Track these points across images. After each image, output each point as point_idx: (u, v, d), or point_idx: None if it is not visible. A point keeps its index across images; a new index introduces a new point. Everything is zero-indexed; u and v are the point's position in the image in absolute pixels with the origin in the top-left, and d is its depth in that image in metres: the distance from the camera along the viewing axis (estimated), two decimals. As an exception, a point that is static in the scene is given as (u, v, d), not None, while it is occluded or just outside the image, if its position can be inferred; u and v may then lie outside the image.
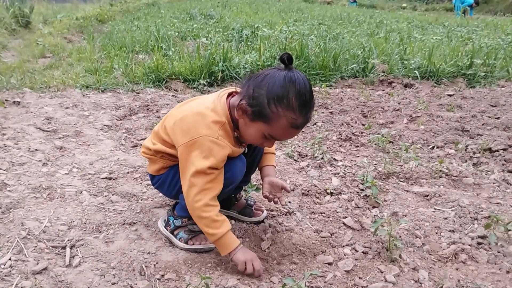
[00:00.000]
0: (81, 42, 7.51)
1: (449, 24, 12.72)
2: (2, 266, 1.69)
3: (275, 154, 2.18)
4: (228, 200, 2.22)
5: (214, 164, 1.72)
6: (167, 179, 1.97)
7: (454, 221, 2.25)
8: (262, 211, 2.25)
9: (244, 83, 1.75)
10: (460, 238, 2.09)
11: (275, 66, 1.74)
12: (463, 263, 1.93)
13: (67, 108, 3.77)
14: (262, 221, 2.22)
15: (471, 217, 2.28)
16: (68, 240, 1.91)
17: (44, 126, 3.25)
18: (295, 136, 3.48)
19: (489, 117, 4.08)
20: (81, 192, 2.36)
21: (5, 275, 1.64)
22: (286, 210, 2.33)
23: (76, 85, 4.41)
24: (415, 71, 5.68)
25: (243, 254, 1.80)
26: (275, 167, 2.15)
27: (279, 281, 1.76)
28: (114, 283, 1.66)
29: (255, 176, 2.39)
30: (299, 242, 2.05)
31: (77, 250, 1.86)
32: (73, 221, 2.07)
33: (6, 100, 3.71)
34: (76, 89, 4.33)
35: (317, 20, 12.07)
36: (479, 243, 2.07)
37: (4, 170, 2.50)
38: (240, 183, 2.16)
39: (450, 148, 3.31)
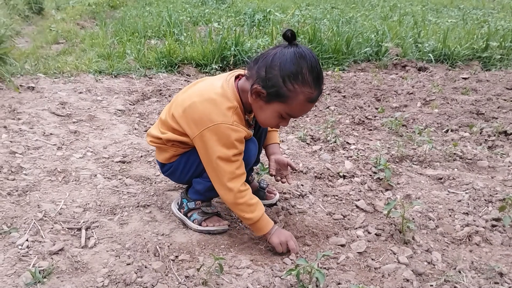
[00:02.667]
0: (94, 28, 7.52)
1: (465, 7, 12.47)
2: (20, 247, 1.73)
3: (277, 130, 2.19)
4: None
5: (238, 151, 1.74)
6: (179, 167, 1.96)
7: (468, 204, 2.24)
8: (275, 194, 2.26)
9: (252, 65, 1.73)
10: (474, 221, 2.07)
11: (279, 44, 1.71)
12: (477, 245, 1.92)
13: (80, 93, 3.79)
14: (275, 204, 2.23)
15: (485, 200, 2.27)
16: (83, 222, 1.94)
17: (58, 111, 3.27)
18: (308, 120, 3.48)
19: (505, 100, 4.02)
20: (96, 175, 2.39)
21: (23, 255, 1.68)
22: (299, 193, 2.33)
23: (89, 70, 4.44)
24: (429, 54, 5.60)
25: (278, 236, 1.83)
26: (279, 144, 2.16)
27: (292, 262, 1.77)
28: (129, 264, 1.69)
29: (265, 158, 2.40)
30: (311, 224, 2.06)
31: (92, 232, 1.89)
32: (88, 204, 2.10)
33: (20, 85, 3.75)
34: (89, 74, 4.36)
35: (329, 4, 11.90)
36: (493, 226, 2.06)
37: (20, 154, 2.54)
38: (251, 164, 2.17)
39: (465, 131, 3.28)
